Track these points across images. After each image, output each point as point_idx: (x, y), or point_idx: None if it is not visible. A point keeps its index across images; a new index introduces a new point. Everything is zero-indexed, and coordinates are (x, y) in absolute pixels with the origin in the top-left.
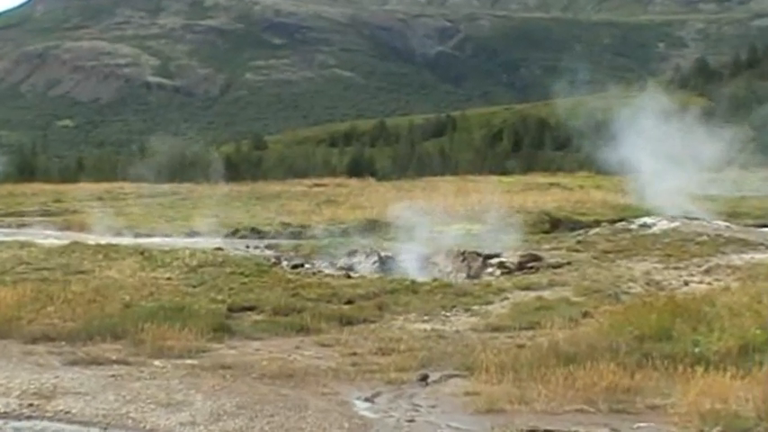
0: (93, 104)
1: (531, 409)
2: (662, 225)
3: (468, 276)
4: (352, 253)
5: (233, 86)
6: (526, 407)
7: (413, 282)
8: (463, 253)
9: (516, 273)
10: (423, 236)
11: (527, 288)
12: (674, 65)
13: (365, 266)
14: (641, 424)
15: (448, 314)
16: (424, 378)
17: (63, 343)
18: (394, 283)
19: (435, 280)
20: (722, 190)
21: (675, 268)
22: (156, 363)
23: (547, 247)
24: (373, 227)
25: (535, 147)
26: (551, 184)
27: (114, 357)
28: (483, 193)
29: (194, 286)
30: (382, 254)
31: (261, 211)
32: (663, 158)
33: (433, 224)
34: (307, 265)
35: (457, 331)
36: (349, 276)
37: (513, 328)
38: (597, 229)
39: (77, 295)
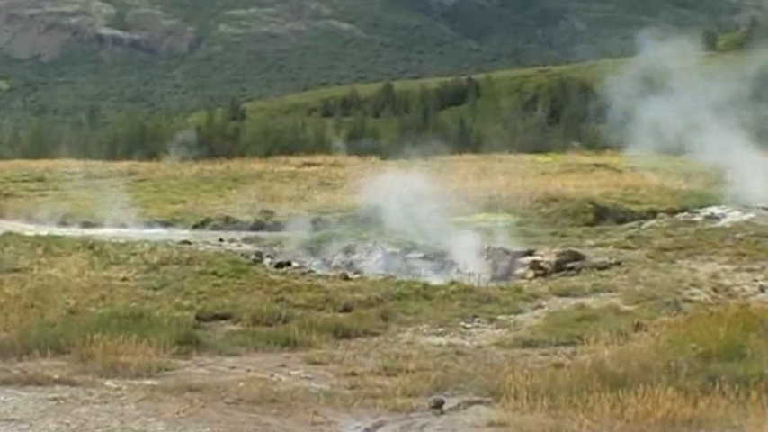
0: (33, 62)
1: None
2: (733, 217)
3: (494, 279)
4: (350, 249)
5: (204, 41)
6: None
7: (425, 285)
8: (488, 250)
9: (553, 274)
10: (438, 228)
11: (566, 294)
12: (748, 18)
13: (366, 265)
14: None
15: (468, 325)
16: (439, 405)
17: None
18: (402, 286)
19: (453, 283)
20: None
21: (749, 270)
22: (108, 383)
23: (590, 242)
24: (376, 217)
25: (577, 118)
26: (597, 165)
27: (56, 376)
28: (512, 176)
29: (155, 289)
30: (387, 250)
31: (238, 196)
32: (738, 133)
33: (451, 214)
34: (294, 264)
35: (479, 347)
36: (346, 278)
37: (548, 344)
38: (653, 222)
39: (11, 299)
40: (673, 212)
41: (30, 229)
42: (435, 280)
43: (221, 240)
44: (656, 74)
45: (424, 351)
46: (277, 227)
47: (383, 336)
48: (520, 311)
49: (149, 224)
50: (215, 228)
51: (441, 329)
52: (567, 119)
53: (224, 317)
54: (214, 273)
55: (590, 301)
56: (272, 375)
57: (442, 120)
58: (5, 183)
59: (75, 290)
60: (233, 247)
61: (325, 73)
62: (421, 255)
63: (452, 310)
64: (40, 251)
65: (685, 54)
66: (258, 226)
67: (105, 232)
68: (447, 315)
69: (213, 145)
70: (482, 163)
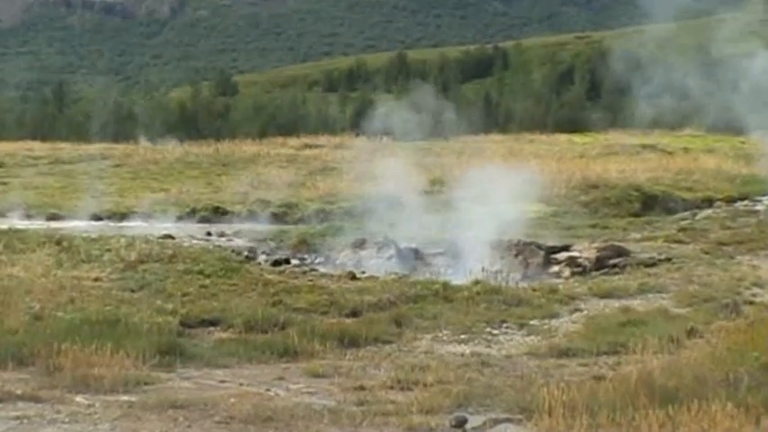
0: None
1: None
2: None
3: (525, 277)
4: (358, 244)
5: (189, 5)
6: None
7: (445, 285)
8: (517, 244)
9: (593, 273)
10: (459, 220)
11: (608, 295)
12: None
13: (377, 263)
14: None
15: (495, 332)
16: (461, 424)
17: None
18: (418, 286)
19: (477, 282)
20: None
21: None
22: (79, 399)
23: (636, 236)
24: (389, 207)
25: (621, 92)
26: (644, 146)
27: (19, 391)
28: (545, 159)
29: (133, 290)
30: (401, 245)
31: (228, 183)
32: None
33: (474, 203)
34: (293, 262)
35: (508, 356)
36: (354, 277)
37: (587, 353)
38: (709, 211)
39: None
40: (731, 201)
41: None
42: (457, 279)
43: (209, 234)
44: (716, 41)
45: (444, 361)
46: (273, 218)
47: (396, 344)
48: (555, 316)
49: (126, 216)
50: (202, 220)
51: (463, 336)
52: (609, 93)
53: (212, 323)
54: (201, 272)
55: (636, 304)
56: (267, 390)
57: (466, 95)
58: None
59: (41, 292)
60: (223, 242)
61: (329, 41)
62: (440, 250)
63: (477, 314)
64: None
65: (754, 17)
66: (252, 217)
67: (75, 225)
68: (470, 320)
69: (200, 124)
70: (511, 144)
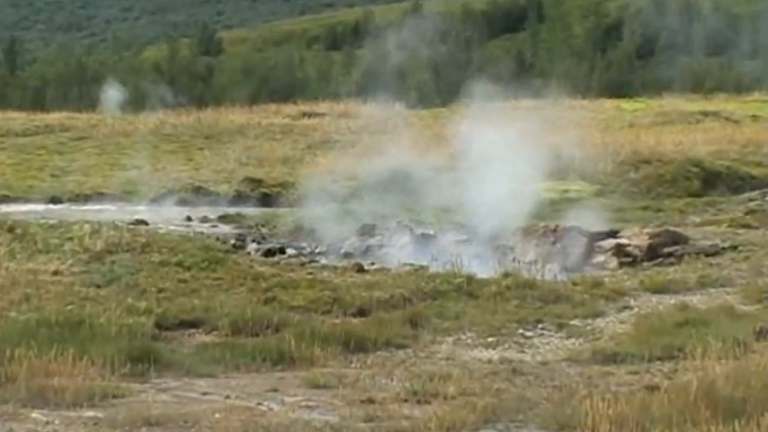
0: None
1: None
2: None
3: (564, 269)
4: (366, 230)
5: None
6: None
7: (469, 279)
8: (555, 230)
9: (644, 263)
10: (485, 201)
11: (662, 290)
12: None
13: (389, 252)
14: None
15: (529, 334)
16: None
17: None
18: (437, 280)
19: (507, 275)
20: None
21: None
22: (35, 415)
23: (696, 219)
24: (403, 186)
25: (677, 50)
26: (705, 114)
27: None
28: (588, 129)
29: (99, 286)
30: (418, 231)
31: (212, 158)
32: None
33: (504, 181)
34: (290, 251)
35: (544, 363)
36: (361, 269)
37: (638, 358)
38: None
39: None
40: None
41: None
42: (483, 272)
43: (189, 219)
44: None
45: (469, 369)
46: (266, 200)
47: (412, 348)
48: (599, 314)
49: (91, 198)
50: (181, 202)
51: (491, 339)
52: (664, 51)
53: (193, 324)
54: (179, 264)
55: (695, 300)
56: (259, 404)
57: (493, 52)
58: None
59: None
60: (205, 228)
61: None
62: (464, 237)
63: (507, 312)
64: None
65: None
66: (240, 199)
67: (30, 209)
68: (499, 320)
69: (178, 89)
70: (547, 111)
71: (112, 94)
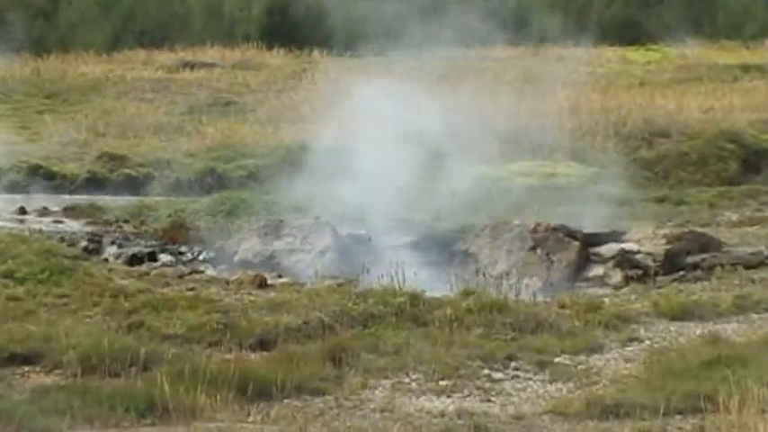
0: None
1: None
2: None
3: (548, 285)
4: (271, 229)
5: None
6: None
7: (415, 298)
8: (535, 231)
9: (659, 278)
10: (440, 190)
11: (684, 315)
12: None
13: (303, 260)
14: None
15: (498, 375)
16: None
17: None
18: (371, 299)
19: (468, 293)
20: None
21: None
22: None
23: (732, 216)
24: (325, 168)
25: None
26: (744, 69)
27: None
28: (583, 89)
29: None
30: (343, 231)
31: (56, 126)
32: None
33: (461, 161)
34: (164, 257)
35: (518, 417)
36: (264, 284)
37: (651, 411)
38: None
39: None
40: None
41: None
42: (435, 288)
43: (23, 212)
44: None
45: (413, 426)
46: (131, 186)
47: (334, 395)
48: (597, 349)
49: None
50: (11, 188)
51: (444, 383)
52: None
53: (29, 359)
54: (9, 274)
55: (730, 330)
56: None
57: None
58: None
59: None
60: (46, 224)
61: None
62: (408, 240)
63: (467, 345)
64: None
65: None
66: (95, 184)
67: None
68: (457, 356)
69: (9, 28)
70: (527, 63)
71: None
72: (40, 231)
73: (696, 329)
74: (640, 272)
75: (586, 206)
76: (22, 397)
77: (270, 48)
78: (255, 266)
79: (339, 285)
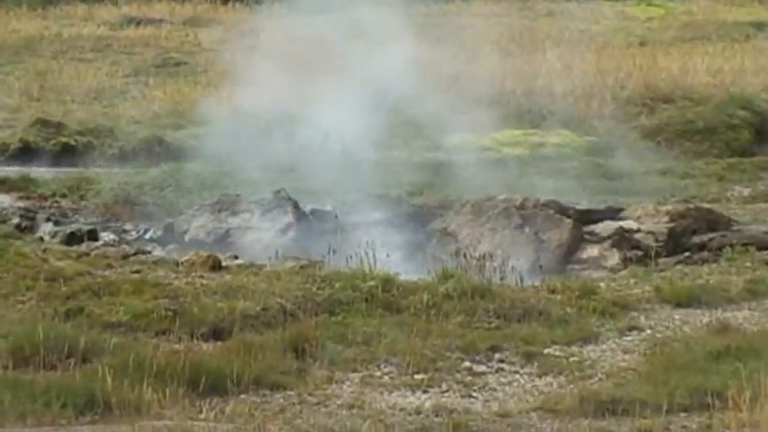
0: None
1: None
2: None
3: (536, 268)
4: (225, 204)
5: None
6: None
7: (387, 282)
8: (522, 207)
9: (662, 259)
10: (415, 161)
11: (689, 302)
12: None
13: (260, 239)
14: None
15: (480, 368)
16: None
17: None
18: (338, 283)
19: (448, 277)
20: None
21: None
22: None
23: (744, 191)
24: (286, 135)
25: None
26: (757, 26)
27: None
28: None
29: None
30: (307, 207)
31: None
32: None
33: (443, 129)
34: (105, 236)
35: (503, 414)
36: (218, 266)
37: (653, 408)
38: None
39: None
40: None
41: None
42: (410, 271)
43: None
44: None
45: (385, 424)
46: (69, 156)
47: (296, 390)
48: (591, 339)
49: None
50: None
51: (420, 377)
52: None
53: None
54: None
55: (742, 318)
56: None
57: None
58: None
59: None
60: None
61: None
62: (379, 217)
63: (446, 335)
64: None
65: None
66: (28, 154)
67: None
68: (434, 347)
69: None
70: (512, 19)
71: None
72: None
73: (703, 317)
74: (640, 253)
75: (580, 179)
76: None
77: (225, 2)
78: (208, 246)
79: (302, 267)
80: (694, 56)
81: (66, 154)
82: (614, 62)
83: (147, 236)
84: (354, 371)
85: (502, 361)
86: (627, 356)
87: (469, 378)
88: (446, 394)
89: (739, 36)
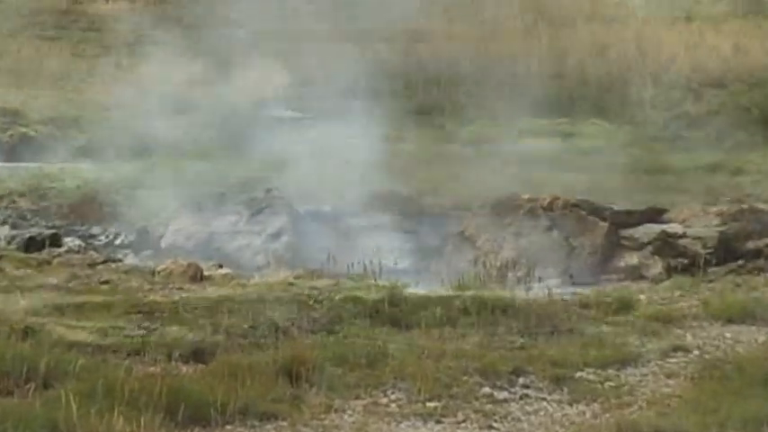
0: None
1: None
2: None
3: (566, 277)
4: (210, 204)
5: None
6: None
7: (395, 294)
8: (550, 208)
9: (711, 269)
10: (428, 156)
11: (741, 318)
12: None
13: (251, 246)
14: None
15: (502, 394)
16: None
17: None
18: (338, 296)
19: (464, 288)
20: None
21: None
22: None
23: None
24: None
25: None
26: None
27: None
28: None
29: None
30: (301, 208)
31: None
32: None
33: (458, 118)
34: (69, 241)
35: None
36: (200, 276)
37: None
38: None
39: None
40: None
41: None
42: (421, 282)
43: None
44: None
45: None
46: (27, 150)
47: (290, 420)
48: (631, 360)
49: None
50: None
51: (433, 404)
52: None
53: None
54: None
55: None
56: None
57: None
58: None
59: None
60: None
61: None
62: (385, 220)
63: (462, 356)
64: None
65: None
66: None
67: None
68: (449, 369)
69: None
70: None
71: None
72: None
73: (758, 335)
74: (686, 261)
75: (616, 176)
76: None
77: None
78: (189, 253)
79: (297, 278)
80: (749, 34)
81: (25, 147)
82: (654, 39)
83: (118, 241)
84: (357, 398)
85: (527, 386)
86: (671, 381)
87: (489, 406)
88: (462, 425)
89: None
